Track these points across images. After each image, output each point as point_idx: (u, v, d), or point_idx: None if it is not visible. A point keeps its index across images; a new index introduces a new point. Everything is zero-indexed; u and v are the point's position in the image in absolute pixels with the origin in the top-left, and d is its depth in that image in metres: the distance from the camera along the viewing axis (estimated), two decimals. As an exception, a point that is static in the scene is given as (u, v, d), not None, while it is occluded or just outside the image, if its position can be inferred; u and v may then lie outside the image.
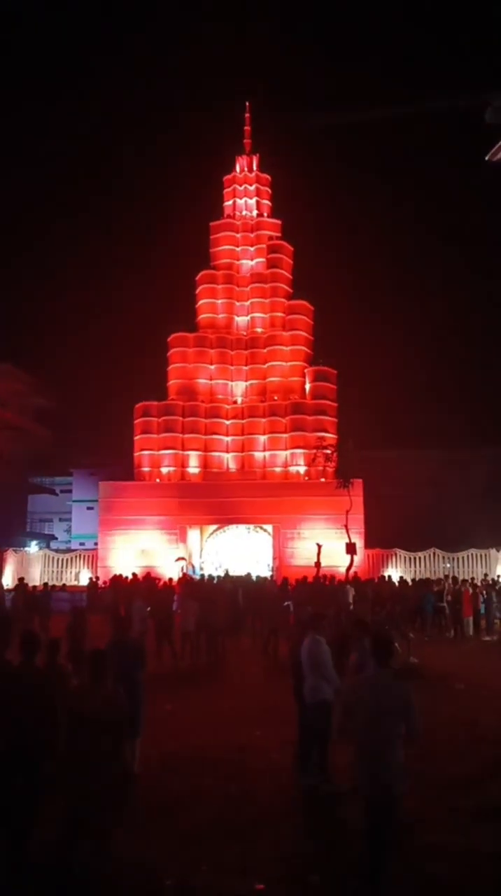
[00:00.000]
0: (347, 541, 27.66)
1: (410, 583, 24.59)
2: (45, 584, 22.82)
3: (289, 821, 6.99)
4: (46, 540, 48.79)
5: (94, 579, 28.36)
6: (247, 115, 44.54)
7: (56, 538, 53.24)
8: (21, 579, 23.36)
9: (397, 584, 24.05)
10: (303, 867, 5.99)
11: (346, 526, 28.42)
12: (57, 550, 39.83)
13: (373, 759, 4.96)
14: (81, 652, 8.60)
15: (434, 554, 33.36)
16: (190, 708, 11.72)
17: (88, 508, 45.87)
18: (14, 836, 5.25)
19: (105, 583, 26.60)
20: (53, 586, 24.70)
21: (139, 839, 6.48)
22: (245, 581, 23.27)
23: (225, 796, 7.55)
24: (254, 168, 43.54)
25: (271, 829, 6.75)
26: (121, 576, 26.32)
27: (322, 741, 7.62)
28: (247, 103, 44.58)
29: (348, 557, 26.66)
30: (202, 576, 28.42)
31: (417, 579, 26.33)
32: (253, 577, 25.11)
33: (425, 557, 33.26)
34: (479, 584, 23.25)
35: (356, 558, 27.98)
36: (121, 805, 6.03)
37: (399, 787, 4.95)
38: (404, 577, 28.41)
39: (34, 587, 22.51)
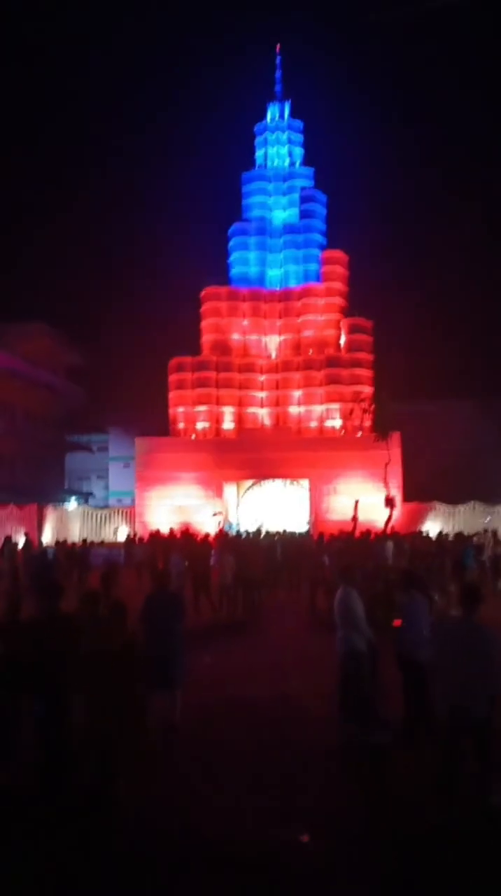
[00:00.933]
0: (386, 494, 27.31)
1: (450, 537, 24.28)
2: (84, 541, 23.01)
3: (325, 770, 6.93)
4: (84, 497, 49.36)
5: (132, 535, 28.57)
6: (278, 58, 43.23)
7: (94, 495, 53.84)
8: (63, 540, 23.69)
9: (434, 538, 23.74)
10: (339, 818, 5.91)
11: (385, 479, 28.05)
12: (95, 507, 40.22)
13: (462, 692, 5.56)
14: (113, 602, 8.66)
15: (473, 507, 32.89)
16: (228, 660, 11.72)
17: (125, 466, 46.21)
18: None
19: (142, 539, 26.79)
20: (92, 542, 24.98)
21: (176, 787, 6.47)
22: (282, 536, 23.19)
23: (261, 745, 7.52)
24: (286, 115, 42.34)
25: (307, 779, 6.68)
26: (158, 531, 26.46)
27: (356, 691, 7.53)
28: (278, 45, 43.25)
29: (387, 512, 26.34)
30: (238, 531, 28.46)
31: (457, 533, 25.97)
32: (291, 533, 25.05)
33: (465, 510, 32.82)
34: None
35: (395, 512, 27.65)
36: (135, 735, 6.10)
37: (482, 710, 5.56)
38: (443, 531, 28.15)
39: (73, 543, 22.73)
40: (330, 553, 18.50)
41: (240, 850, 5.35)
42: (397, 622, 7.74)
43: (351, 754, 7.25)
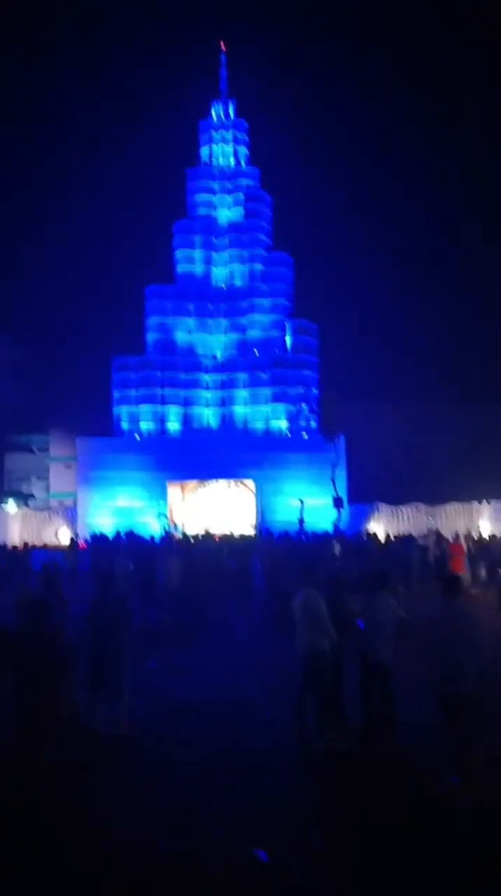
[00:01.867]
0: (334, 494, 27.33)
1: (393, 538, 24.41)
2: (25, 544, 22.28)
3: (283, 778, 6.69)
4: (24, 499, 48.07)
5: (74, 538, 27.86)
6: (223, 56, 42.92)
7: (34, 497, 52.54)
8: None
9: (383, 539, 23.83)
10: (301, 823, 5.70)
11: (333, 479, 28.07)
12: (35, 508, 39.18)
13: (454, 667, 6.03)
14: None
15: (417, 508, 33.21)
16: (176, 665, 11.38)
17: (66, 466, 45.19)
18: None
19: (84, 542, 26.13)
20: (34, 545, 24.20)
21: (130, 794, 6.17)
22: (229, 538, 22.92)
23: (213, 752, 7.24)
24: (232, 113, 42.09)
25: (264, 788, 6.44)
26: (102, 534, 25.86)
27: (320, 694, 7.34)
28: (222, 43, 42.91)
29: (335, 512, 26.36)
30: (183, 534, 28.06)
31: (400, 535, 26.14)
32: (238, 535, 24.79)
33: (408, 512, 33.11)
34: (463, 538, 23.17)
35: (342, 513, 27.71)
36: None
37: (468, 688, 6.06)
38: (389, 533, 28.30)
39: (13, 547, 21.99)
40: (277, 555, 18.34)
41: (198, 866, 5.05)
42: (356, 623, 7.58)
43: (310, 760, 7.04)
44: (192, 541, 20.25)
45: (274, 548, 21.09)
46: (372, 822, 5.66)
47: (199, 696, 9.33)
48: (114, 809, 5.92)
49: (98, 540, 23.90)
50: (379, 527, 31.69)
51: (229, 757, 7.11)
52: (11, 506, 37.92)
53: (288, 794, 6.30)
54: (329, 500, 31.03)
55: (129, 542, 20.64)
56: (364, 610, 7.55)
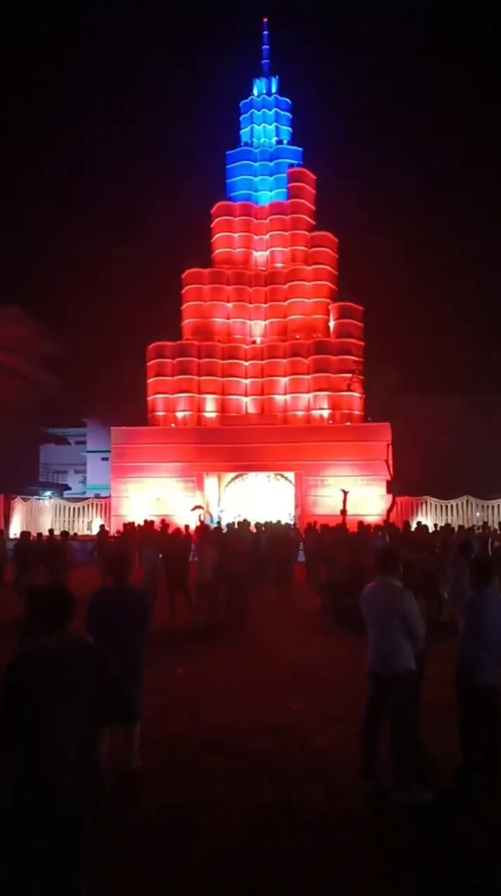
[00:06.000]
0: (388, 478, 25.49)
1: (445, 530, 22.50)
2: (51, 532, 20.90)
3: (344, 844, 4.93)
4: (60, 490, 47.27)
5: (105, 528, 26.50)
6: (265, 32, 41.36)
7: (70, 488, 51.78)
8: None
9: (438, 530, 21.93)
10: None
11: (387, 461, 26.30)
12: (68, 499, 38.16)
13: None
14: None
15: (466, 501, 31.23)
16: (206, 672, 9.76)
17: (103, 459, 44.28)
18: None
19: (118, 532, 24.77)
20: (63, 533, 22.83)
21: (140, 866, 4.57)
22: (268, 526, 21.32)
23: (256, 807, 5.46)
24: (274, 91, 40.47)
25: (319, 856, 4.77)
26: (132, 524, 24.47)
27: (399, 724, 5.54)
28: (264, 19, 41.35)
29: (387, 500, 24.52)
30: (218, 523, 26.61)
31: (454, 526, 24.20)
32: (276, 523, 23.14)
33: (457, 505, 31.15)
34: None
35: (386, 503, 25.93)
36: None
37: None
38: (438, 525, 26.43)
39: (38, 534, 20.61)
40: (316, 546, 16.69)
41: None
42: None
43: (383, 819, 5.35)
44: (226, 529, 18.62)
45: (318, 536, 19.46)
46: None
47: (234, 720, 7.47)
48: (108, 884, 4.34)
49: (128, 530, 22.47)
50: (427, 520, 29.87)
51: (274, 818, 5.27)
52: (46, 497, 37.01)
53: (358, 877, 4.58)
54: (374, 491, 29.36)
55: (159, 529, 19.14)
56: (467, 610, 5.62)
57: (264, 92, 40.42)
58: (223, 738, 6.98)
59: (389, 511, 23.64)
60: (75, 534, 28.95)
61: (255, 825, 5.12)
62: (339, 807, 5.43)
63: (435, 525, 25.72)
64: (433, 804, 5.37)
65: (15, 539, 22.59)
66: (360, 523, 21.77)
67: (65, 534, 18.16)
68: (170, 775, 6.06)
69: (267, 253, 37.66)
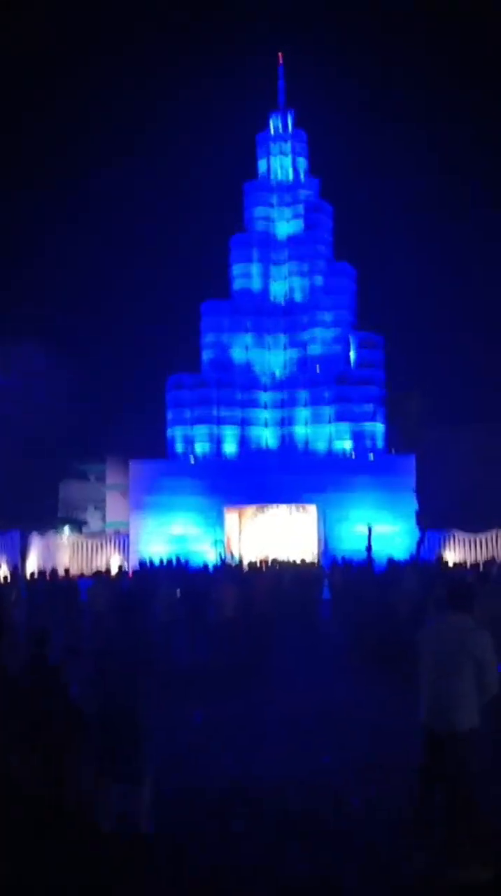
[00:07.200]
0: (415, 511, 24.70)
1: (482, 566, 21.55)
2: (54, 571, 19.86)
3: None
4: (79, 526, 46.78)
5: (123, 565, 25.79)
6: (281, 67, 41.59)
7: (88, 524, 51.27)
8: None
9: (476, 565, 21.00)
10: None
11: (413, 494, 25.51)
12: (87, 535, 37.62)
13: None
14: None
15: (497, 535, 30.19)
16: (228, 718, 8.99)
17: (123, 494, 43.81)
18: None
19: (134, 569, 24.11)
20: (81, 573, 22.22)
21: None
22: (289, 564, 20.56)
23: (285, 887, 4.70)
24: (290, 125, 40.58)
25: None
26: (150, 560, 23.80)
27: (458, 795, 4.75)
28: (280, 55, 41.62)
29: (411, 538, 23.68)
30: (239, 561, 25.91)
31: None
32: (299, 561, 22.38)
33: (488, 539, 30.10)
34: None
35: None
36: None
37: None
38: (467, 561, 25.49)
39: (53, 571, 19.91)
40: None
41: None
42: None
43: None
44: (247, 567, 17.87)
45: (348, 575, 18.60)
46: None
47: (258, 776, 6.66)
48: None
49: (143, 566, 21.79)
50: (455, 556, 28.89)
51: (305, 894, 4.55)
52: (64, 533, 36.49)
53: None
54: (400, 525, 28.53)
55: (177, 568, 18.44)
56: None
57: (280, 127, 40.53)
58: (245, 795, 6.20)
59: (418, 546, 22.75)
60: (97, 571, 28.28)
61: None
62: (382, 885, 4.65)
63: (465, 561, 24.86)
64: (493, 883, 4.58)
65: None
66: (389, 559, 20.90)
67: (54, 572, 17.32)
68: (188, 841, 5.30)
69: (286, 284, 37.43)
